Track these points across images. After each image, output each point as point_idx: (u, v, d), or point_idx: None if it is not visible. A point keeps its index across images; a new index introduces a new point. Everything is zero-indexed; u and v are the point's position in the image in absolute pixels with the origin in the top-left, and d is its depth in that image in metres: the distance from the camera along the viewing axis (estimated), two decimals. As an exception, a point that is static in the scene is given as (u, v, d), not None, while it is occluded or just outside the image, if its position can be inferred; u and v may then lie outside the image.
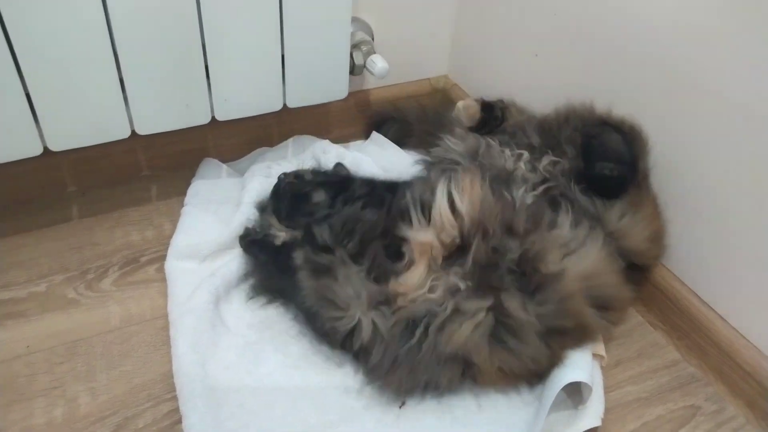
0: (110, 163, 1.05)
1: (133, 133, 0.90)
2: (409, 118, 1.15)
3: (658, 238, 0.83)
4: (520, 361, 0.70)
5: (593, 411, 0.71)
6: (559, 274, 0.70)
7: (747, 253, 0.74)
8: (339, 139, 1.16)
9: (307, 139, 1.13)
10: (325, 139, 1.11)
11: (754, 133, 0.70)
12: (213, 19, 0.85)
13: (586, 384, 0.69)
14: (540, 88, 1.03)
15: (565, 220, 0.76)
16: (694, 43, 0.75)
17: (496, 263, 0.70)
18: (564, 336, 0.71)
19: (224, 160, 1.12)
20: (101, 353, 0.79)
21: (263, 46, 0.91)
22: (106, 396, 0.74)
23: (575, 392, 0.72)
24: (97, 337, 0.81)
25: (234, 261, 0.87)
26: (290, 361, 0.77)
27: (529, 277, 0.69)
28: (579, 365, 0.70)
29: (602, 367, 0.78)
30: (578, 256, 0.73)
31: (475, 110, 0.95)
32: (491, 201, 0.74)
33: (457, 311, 0.69)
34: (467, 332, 0.68)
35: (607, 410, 0.73)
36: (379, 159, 1.05)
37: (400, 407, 0.72)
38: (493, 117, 0.95)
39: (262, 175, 0.99)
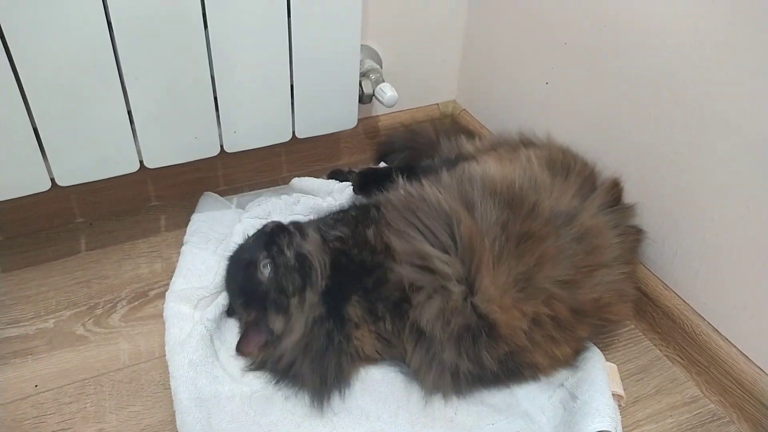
0: (118, 193, 1.04)
1: (142, 166, 0.89)
2: (418, 145, 1.14)
3: None
4: None
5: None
6: None
7: (768, 289, 0.73)
8: (349, 166, 1.15)
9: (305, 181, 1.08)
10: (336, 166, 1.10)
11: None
12: (222, 51, 0.85)
13: None
14: (552, 116, 1.02)
15: None
16: (707, 71, 0.74)
17: None
18: None
19: (233, 189, 1.12)
20: (110, 393, 0.78)
21: (272, 77, 0.90)
22: (116, 438, 0.73)
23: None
24: (106, 375, 0.80)
25: (223, 299, 0.86)
26: (299, 410, 0.75)
27: None
28: (602, 411, 0.68)
29: (621, 407, 0.76)
30: None
31: None
32: None
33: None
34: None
35: (628, 452, 0.71)
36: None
37: None
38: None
39: (256, 216, 0.98)
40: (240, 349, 0.79)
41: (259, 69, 0.89)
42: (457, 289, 0.71)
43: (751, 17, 0.68)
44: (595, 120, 0.94)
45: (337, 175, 1.09)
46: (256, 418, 0.74)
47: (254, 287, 0.78)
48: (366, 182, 1.02)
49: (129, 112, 0.84)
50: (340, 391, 0.75)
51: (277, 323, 0.76)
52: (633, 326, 0.91)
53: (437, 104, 1.27)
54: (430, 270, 0.72)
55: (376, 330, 0.77)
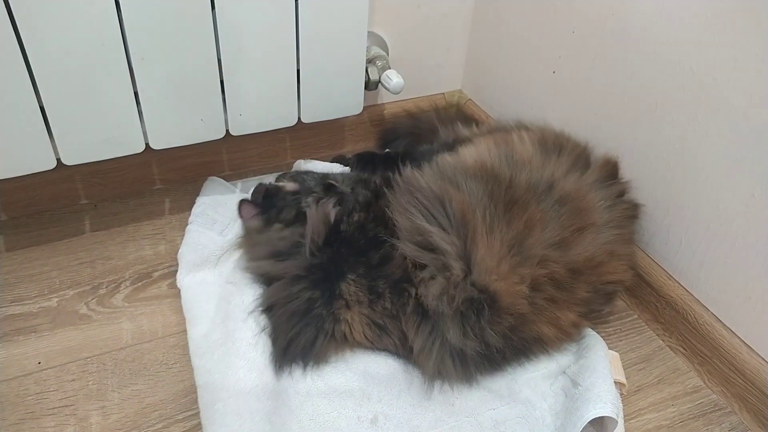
0: (123, 175, 1.04)
1: (147, 147, 0.89)
2: (420, 131, 1.14)
3: None
4: None
5: (615, 440, 0.69)
6: None
7: (773, 279, 0.73)
8: (352, 153, 1.14)
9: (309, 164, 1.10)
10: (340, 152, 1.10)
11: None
12: (229, 33, 0.84)
13: (611, 417, 0.68)
14: (558, 106, 1.02)
15: None
16: (714, 57, 0.74)
17: None
18: None
19: (238, 174, 1.12)
20: (113, 371, 0.78)
21: (279, 61, 0.90)
22: (118, 416, 0.73)
23: (596, 421, 0.70)
24: (108, 354, 0.80)
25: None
26: (302, 388, 0.75)
27: None
28: (604, 398, 0.68)
29: (623, 395, 0.76)
30: None
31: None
32: None
33: None
34: None
35: (629, 439, 0.71)
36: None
37: None
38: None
39: None
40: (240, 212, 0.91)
41: (266, 52, 0.89)
42: (457, 265, 0.71)
43: (757, 2, 0.68)
44: (601, 109, 0.93)
45: (340, 161, 1.10)
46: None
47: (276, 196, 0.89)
48: (364, 164, 1.04)
49: (135, 92, 0.84)
50: (304, 366, 0.75)
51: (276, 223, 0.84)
52: (636, 316, 0.91)
53: (443, 93, 1.26)
54: (432, 247, 0.73)
55: (369, 314, 0.75)
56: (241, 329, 0.77)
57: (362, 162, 1.07)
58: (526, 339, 0.74)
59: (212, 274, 0.87)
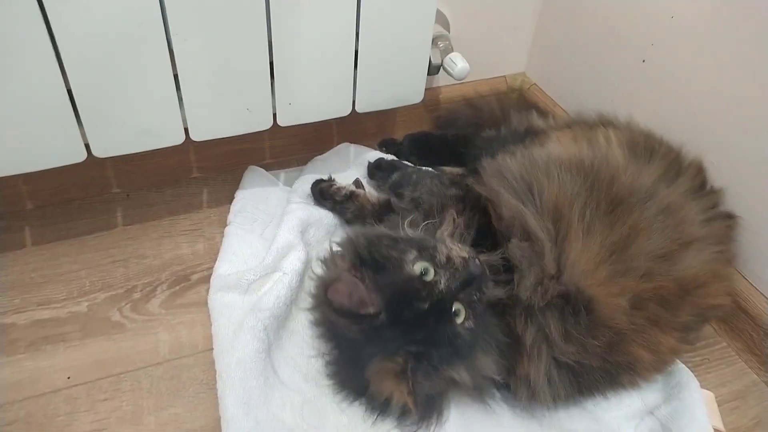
0: (158, 163, 0.95)
1: (187, 137, 0.80)
2: (482, 122, 1.03)
3: None
4: None
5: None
6: None
7: None
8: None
9: (352, 148, 1.03)
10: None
11: None
12: (282, 12, 0.74)
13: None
14: (647, 100, 0.90)
15: None
16: None
17: None
18: None
19: (279, 162, 1.03)
20: (148, 390, 0.71)
21: (336, 45, 0.79)
22: (154, 444, 0.66)
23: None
24: (143, 370, 0.73)
25: (278, 286, 0.75)
26: (356, 424, 0.67)
27: None
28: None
29: (721, 444, 0.67)
30: None
31: None
32: None
33: None
34: None
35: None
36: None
37: None
38: None
39: (303, 200, 0.89)
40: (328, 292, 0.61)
41: (322, 34, 0.78)
42: (550, 256, 0.63)
43: None
44: (700, 108, 0.82)
45: (389, 145, 1.01)
46: (309, 430, 0.67)
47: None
48: (418, 148, 0.96)
49: (175, 78, 0.74)
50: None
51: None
52: (725, 344, 0.81)
53: (504, 76, 1.15)
54: (528, 235, 0.65)
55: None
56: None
57: (415, 145, 0.98)
58: (620, 363, 0.65)
59: (242, 299, 0.77)
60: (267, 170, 0.99)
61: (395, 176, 0.87)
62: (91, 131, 0.74)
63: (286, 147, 1.03)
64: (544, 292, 0.63)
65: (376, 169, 0.92)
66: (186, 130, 0.79)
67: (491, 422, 0.68)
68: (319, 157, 1.01)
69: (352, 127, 1.05)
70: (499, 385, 0.69)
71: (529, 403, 0.67)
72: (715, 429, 0.66)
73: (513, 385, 0.67)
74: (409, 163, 0.94)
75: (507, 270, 0.65)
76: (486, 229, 0.69)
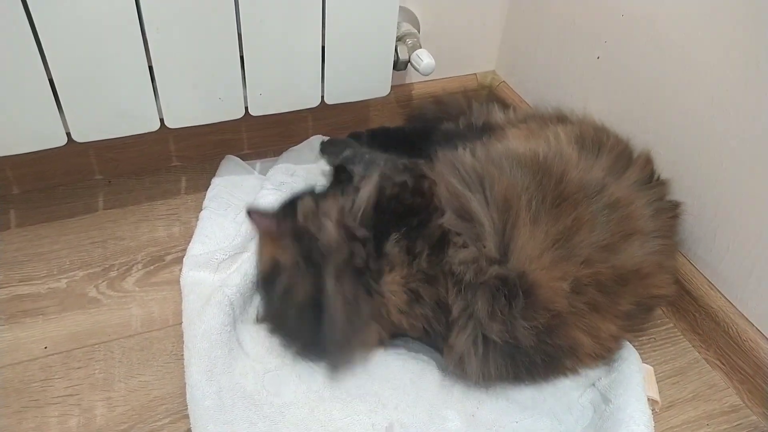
0: (139, 152, 1.00)
1: (163, 125, 0.85)
2: (449, 117, 1.07)
3: None
4: None
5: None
6: None
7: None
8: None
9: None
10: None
11: None
12: (251, 4, 0.79)
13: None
14: (601, 94, 0.95)
15: None
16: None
17: None
18: None
19: (257, 154, 1.07)
20: (120, 360, 0.76)
21: (303, 37, 0.84)
22: (123, 408, 0.71)
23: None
24: (116, 341, 0.78)
25: (246, 264, 0.81)
26: (314, 393, 0.72)
27: None
28: (637, 419, 0.64)
29: (655, 413, 0.71)
30: None
31: None
32: None
33: None
34: None
35: (660, 461, 0.67)
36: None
37: None
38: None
39: (275, 187, 0.94)
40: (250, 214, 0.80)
41: (289, 27, 0.83)
42: (492, 241, 0.67)
43: None
44: (649, 101, 0.86)
45: (355, 138, 1.05)
46: (269, 398, 0.71)
47: None
48: (377, 141, 1.00)
49: (150, 67, 0.79)
50: (352, 362, 0.72)
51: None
52: (672, 325, 0.86)
53: (475, 74, 1.19)
54: (468, 216, 0.69)
55: (406, 276, 0.70)
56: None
57: (375, 138, 1.03)
58: (561, 347, 0.69)
59: (212, 276, 0.82)
60: (244, 160, 1.04)
61: (348, 152, 0.93)
62: (70, 115, 0.79)
63: (263, 138, 1.08)
64: (479, 270, 0.66)
65: (328, 144, 0.98)
66: (161, 116, 0.84)
67: (444, 393, 0.73)
68: (294, 148, 1.05)
69: (327, 121, 1.10)
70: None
71: (458, 374, 0.71)
72: (650, 398, 0.70)
73: (445, 352, 0.71)
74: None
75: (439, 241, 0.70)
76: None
